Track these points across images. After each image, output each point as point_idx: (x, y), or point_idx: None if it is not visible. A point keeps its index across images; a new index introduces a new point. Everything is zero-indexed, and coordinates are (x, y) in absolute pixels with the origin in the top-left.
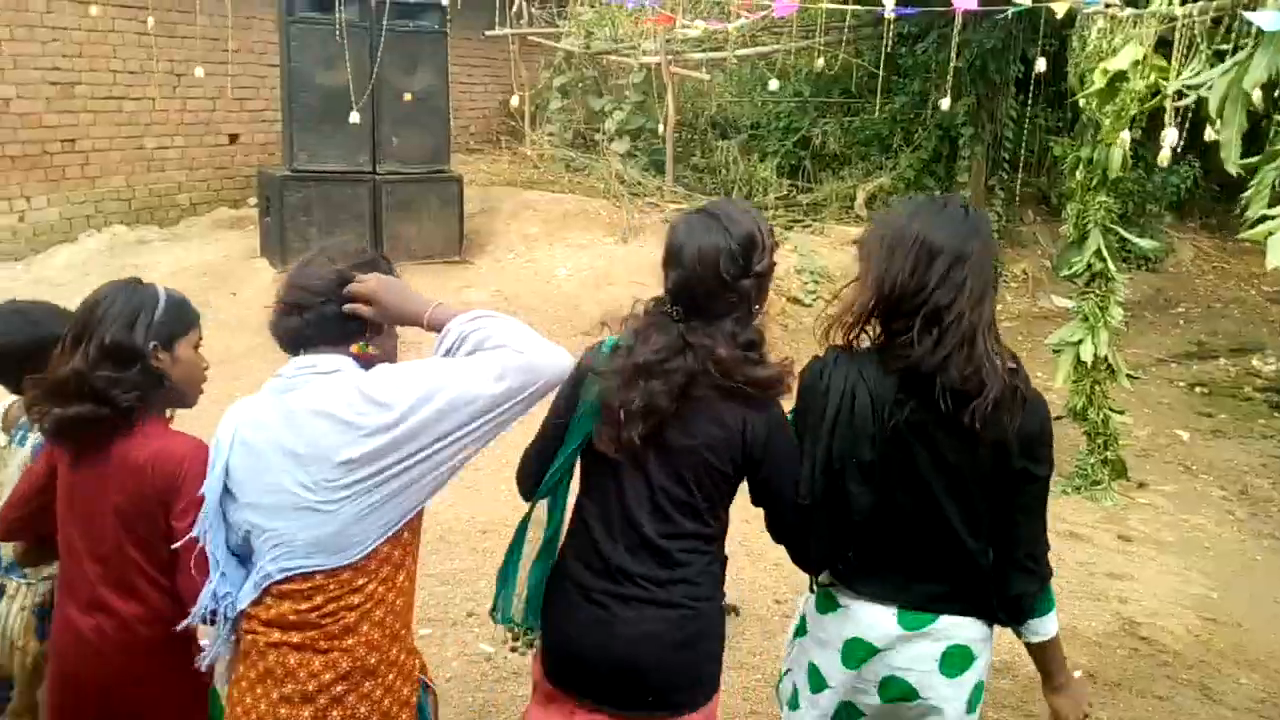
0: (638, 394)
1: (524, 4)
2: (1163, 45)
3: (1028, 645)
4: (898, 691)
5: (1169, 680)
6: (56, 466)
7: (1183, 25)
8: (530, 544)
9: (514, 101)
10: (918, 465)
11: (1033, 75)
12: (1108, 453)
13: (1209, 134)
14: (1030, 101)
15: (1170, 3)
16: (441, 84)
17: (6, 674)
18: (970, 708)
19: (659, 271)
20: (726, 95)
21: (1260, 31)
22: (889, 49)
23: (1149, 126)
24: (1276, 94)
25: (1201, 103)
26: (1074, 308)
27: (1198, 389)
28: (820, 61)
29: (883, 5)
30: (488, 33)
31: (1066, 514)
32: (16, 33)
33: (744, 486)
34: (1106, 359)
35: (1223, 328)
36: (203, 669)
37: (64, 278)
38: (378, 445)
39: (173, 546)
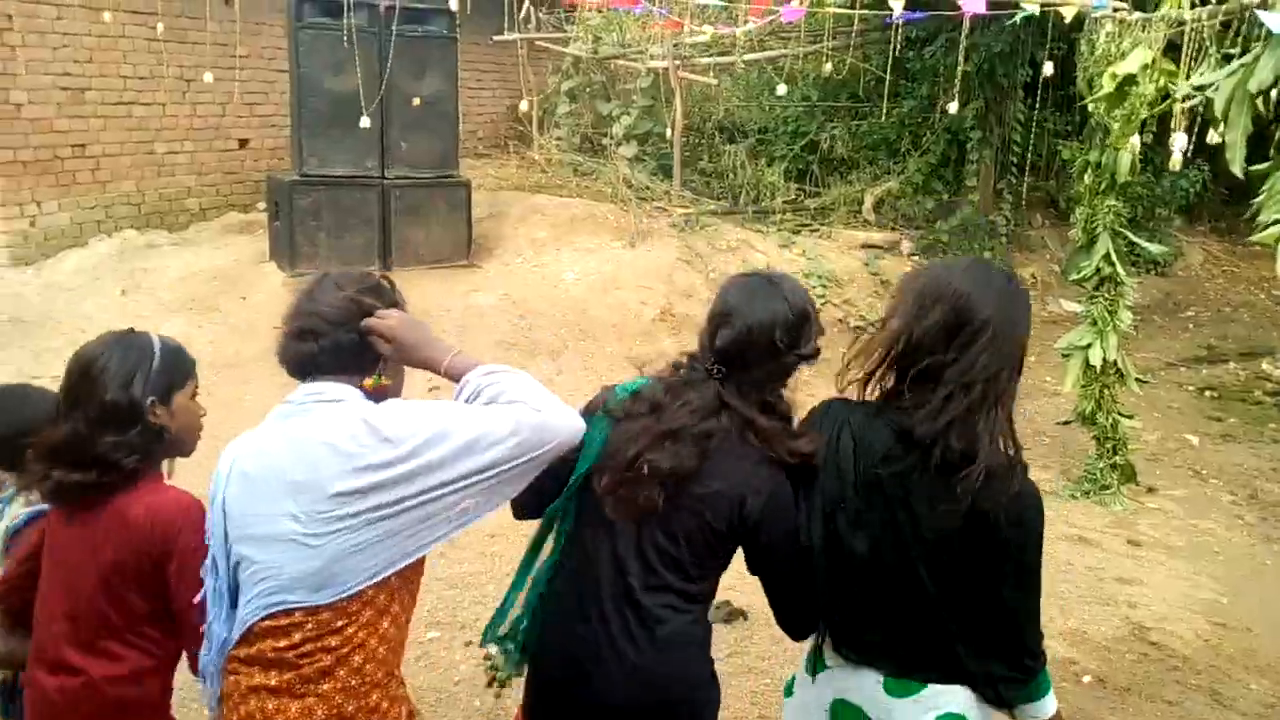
0: (664, 456)
1: (532, 9)
2: (1172, 49)
3: None
4: None
5: (1178, 685)
6: (44, 539)
7: (1192, 29)
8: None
9: (522, 106)
10: (898, 522)
11: (1041, 79)
12: (1117, 457)
13: (1213, 136)
14: (1038, 105)
15: (1180, 6)
16: (450, 89)
17: None
18: None
19: (666, 276)
20: (734, 100)
21: (1269, 34)
22: (897, 53)
23: (1158, 130)
24: None
25: (1208, 105)
26: (1083, 312)
27: (1207, 393)
28: (828, 66)
29: (890, 10)
30: (496, 38)
31: (1076, 519)
32: (28, 39)
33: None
34: (1115, 363)
35: (1232, 332)
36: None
37: (74, 282)
38: (374, 481)
39: (174, 607)
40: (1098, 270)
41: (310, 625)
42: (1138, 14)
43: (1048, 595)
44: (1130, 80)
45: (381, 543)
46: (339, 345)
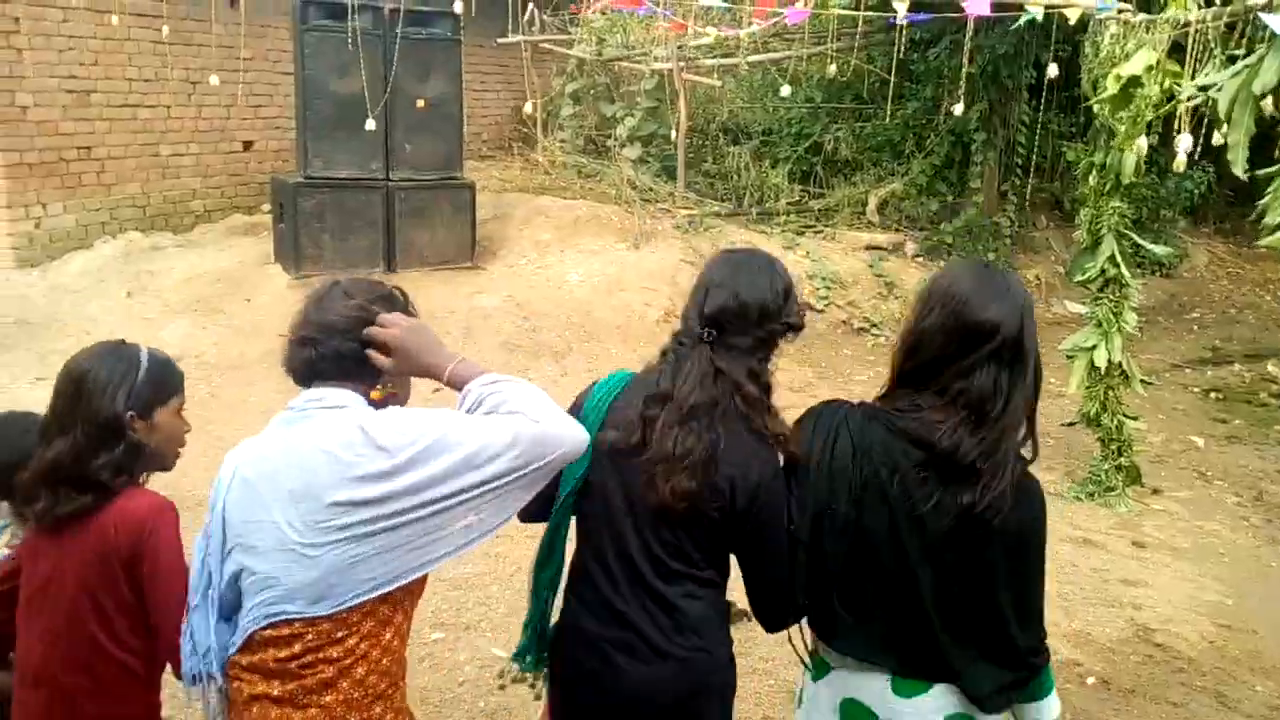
0: (697, 442)
1: (536, 11)
2: (1176, 50)
3: None
4: None
5: (1183, 687)
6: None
7: (1196, 30)
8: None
9: (526, 108)
10: (898, 523)
11: (1045, 80)
12: (1122, 459)
13: (1217, 138)
14: (1043, 107)
15: (1184, 8)
16: (455, 91)
17: None
18: None
19: (670, 277)
20: (738, 101)
21: (1273, 36)
22: (901, 55)
23: (1163, 132)
24: None
25: (1213, 106)
26: (1088, 313)
27: (1212, 395)
28: (832, 67)
29: (895, 11)
30: (500, 40)
31: (1080, 520)
32: (34, 41)
33: None
34: (1120, 365)
35: (1237, 333)
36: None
37: (79, 284)
38: (372, 493)
39: (150, 617)
40: (1102, 272)
41: (310, 636)
42: (1142, 15)
43: (1052, 597)
44: (1135, 82)
45: (380, 556)
46: (340, 352)
